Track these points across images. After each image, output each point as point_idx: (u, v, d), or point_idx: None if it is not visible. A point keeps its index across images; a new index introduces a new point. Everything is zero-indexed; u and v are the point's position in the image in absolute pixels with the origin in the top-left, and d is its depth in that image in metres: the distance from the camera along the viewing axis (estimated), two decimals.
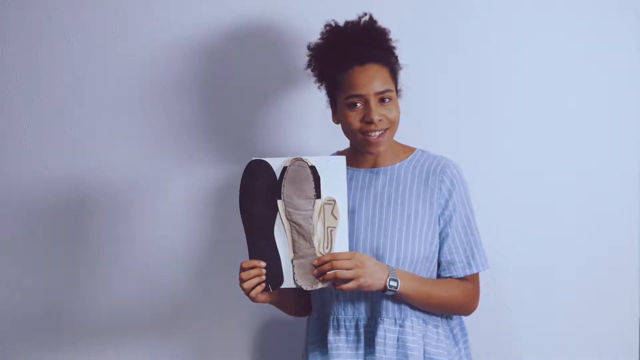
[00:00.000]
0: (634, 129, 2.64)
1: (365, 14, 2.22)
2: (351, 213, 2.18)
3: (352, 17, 2.24)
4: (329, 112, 2.26)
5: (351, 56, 2.14)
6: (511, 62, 2.64)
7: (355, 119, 2.13)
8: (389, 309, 2.16)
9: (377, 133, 2.12)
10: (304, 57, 2.32)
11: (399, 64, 2.23)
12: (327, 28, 2.22)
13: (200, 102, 2.73)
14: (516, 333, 2.67)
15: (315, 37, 2.29)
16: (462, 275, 2.20)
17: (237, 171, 2.57)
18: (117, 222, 2.77)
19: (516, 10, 2.64)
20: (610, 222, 2.65)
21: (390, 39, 2.22)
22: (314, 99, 2.55)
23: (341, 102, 2.16)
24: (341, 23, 2.22)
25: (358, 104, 2.13)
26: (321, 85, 2.27)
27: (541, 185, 2.65)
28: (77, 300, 2.80)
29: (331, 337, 2.19)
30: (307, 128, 2.69)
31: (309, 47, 2.25)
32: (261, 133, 2.71)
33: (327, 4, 2.62)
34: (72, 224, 2.78)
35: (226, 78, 2.72)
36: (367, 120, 2.11)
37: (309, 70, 2.26)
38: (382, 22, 2.24)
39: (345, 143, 2.31)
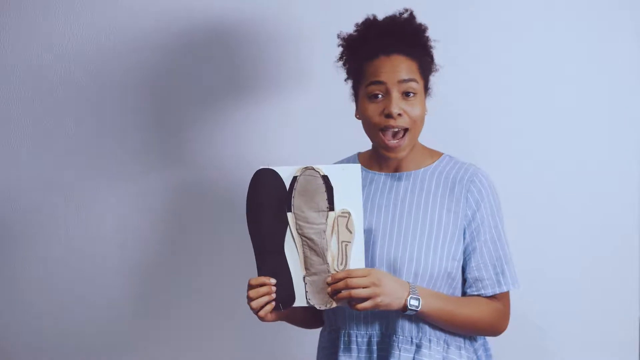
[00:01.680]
0: (634, 129, 2.63)
1: (407, 10, 2.08)
2: (368, 221, 2.03)
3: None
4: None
5: (378, 45, 2.01)
6: (510, 64, 2.64)
7: (374, 112, 1.99)
8: (405, 327, 2.00)
9: (396, 129, 1.97)
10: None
11: (433, 64, 2.09)
12: (364, 20, 2.10)
13: (201, 101, 2.75)
14: (517, 333, 2.57)
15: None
16: (490, 294, 2.03)
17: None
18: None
19: (516, 10, 2.64)
20: (610, 222, 2.64)
21: (427, 37, 2.08)
22: (308, 101, 2.64)
23: (362, 92, 2.02)
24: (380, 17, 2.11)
25: (379, 95, 1.98)
26: (348, 78, 2.13)
27: (541, 186, 2.63)
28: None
29: (341, 353, 2.04)
30: (294, 134, 2.71)
31: (339, 36, 2.13)
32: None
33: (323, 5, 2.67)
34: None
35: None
36: (386, 113, 1.97)
37: (340, 63, 2.14)
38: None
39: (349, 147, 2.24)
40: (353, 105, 2.13)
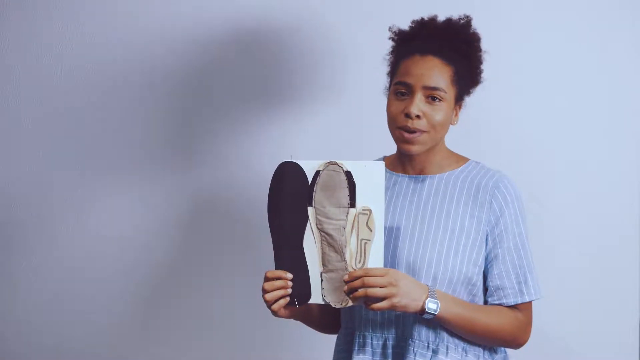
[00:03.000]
0: (634, 128, 2.63)
1: (467, 17, 2.07)
2: (390, 222, 2.01)
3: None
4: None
5: (417, 45, 2.00)
6: (510, 63, 2.63)
7: (396, 109, 1.98)
8: (422, 331, 1.97)
9: (414, 131, 1.96)
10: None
11: (477, 77, 2.08)
12: (420, 19, 2.08)
13: (207, 102, 2.75)
14: None
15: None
16: (512, 303, 2.00)
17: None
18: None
19: (515, 10, 2.65)
20: (610, 222, 2.64)
21: (477, 47, 2.06)
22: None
23: (391, 89, 2.02)
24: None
25: (404, 94, 1.98)
26: (389, 73, 2.11)
27: (541, 185, 2.63)
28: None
29: (355, 355, 2.01)
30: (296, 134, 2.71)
31: (390, 29, 2.11)
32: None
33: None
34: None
35: (225, 78, 2.74)
36: (405, 113, 1.96)
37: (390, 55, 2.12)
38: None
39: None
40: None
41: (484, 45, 2.55)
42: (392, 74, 2.05)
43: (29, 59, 2.76)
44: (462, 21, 2.06)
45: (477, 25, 2.57)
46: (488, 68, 2.57)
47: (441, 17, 2.07)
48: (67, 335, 2.77)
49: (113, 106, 2.76)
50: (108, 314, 2.77)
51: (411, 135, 1.96)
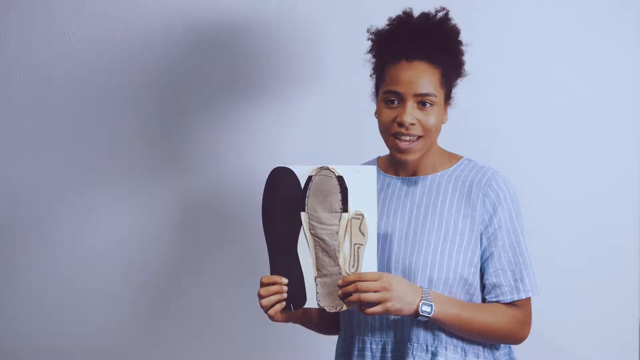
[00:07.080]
0: (634, 129, 2.64)
1: (444, 9, 2.03)
2: (384, 225, 2.01)
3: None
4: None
5: (402, 49, 1.97)
6: (511, 63, 2.64)
7: (388, 117, 1.96)
8: (420, 334, 1.96)
9: (408, 138, 1.94)
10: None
11: (461, 70, 2.05)
12: (397, 16, 2.04)
13: (208, 100, 2.75)
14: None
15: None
16: (509, 300, 1.99)
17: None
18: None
19: (515, 10, 2.65)
20: (610, 222, 2.65)
21: (459, 41, 2.03)
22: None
23: (380, 95, 2.00)
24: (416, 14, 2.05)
25: (395, 102, 1.96)
26: (374, 74, 2.09)
27: (540, 186, 2.63)
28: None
29: None
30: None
31: (368, 31, 2.08)
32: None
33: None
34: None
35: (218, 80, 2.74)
36: (398, 122, 1.94)
37: (369, 56, 2.09)
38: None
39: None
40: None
41: (484, 43, 2.58)
42: (379, 79, 2.03)
43: (29, 59, 2.76)
44: (439, 14, 2.03)
45: (477, 25, 2.60)
46: (488, 68, 2.60)
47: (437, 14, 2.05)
48: (67, 335, 2.78)
49: (112, 107, 2.76)
50: (108, 314, 2.77)
51: (406, 145, 1.95)
